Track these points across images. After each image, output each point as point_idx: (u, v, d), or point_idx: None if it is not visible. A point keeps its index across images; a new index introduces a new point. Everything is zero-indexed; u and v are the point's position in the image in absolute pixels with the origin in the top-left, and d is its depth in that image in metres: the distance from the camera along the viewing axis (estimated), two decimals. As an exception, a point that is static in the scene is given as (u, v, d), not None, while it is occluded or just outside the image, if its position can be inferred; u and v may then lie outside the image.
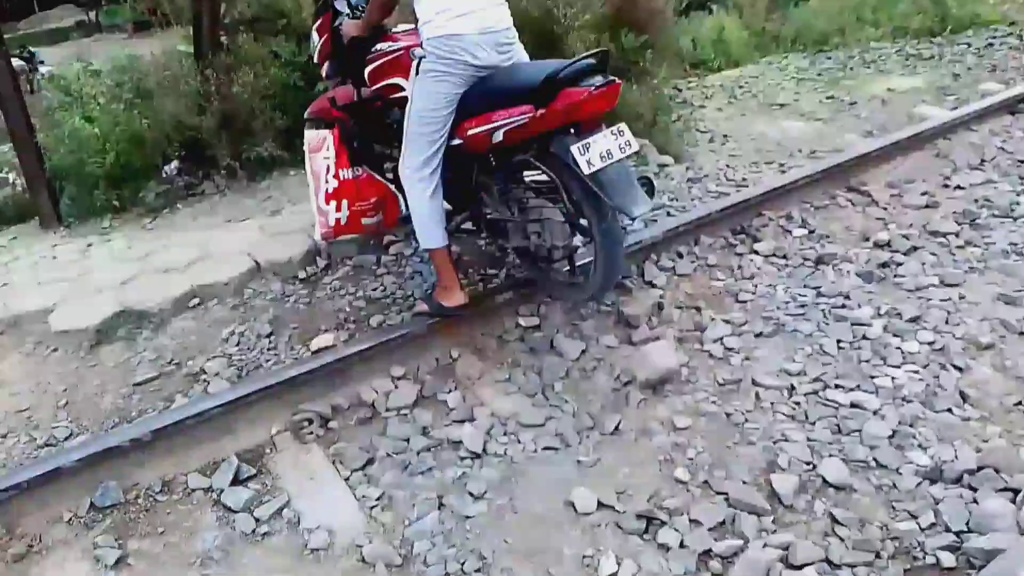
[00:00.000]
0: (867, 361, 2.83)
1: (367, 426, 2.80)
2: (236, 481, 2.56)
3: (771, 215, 3.94)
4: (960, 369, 2.74)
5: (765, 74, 7.45)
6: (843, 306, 3.17)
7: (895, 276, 3.37)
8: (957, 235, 3.62)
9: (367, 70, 3.24)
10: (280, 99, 5.10)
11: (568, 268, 3.14)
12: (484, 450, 2.59)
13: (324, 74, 3.54)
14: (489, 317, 3.25)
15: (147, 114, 4.84)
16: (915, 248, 3.55)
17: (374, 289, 3.63)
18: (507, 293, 3.32)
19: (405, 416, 2.80)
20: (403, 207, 3.26)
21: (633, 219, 2.80)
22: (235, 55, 5.07)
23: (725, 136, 5.40)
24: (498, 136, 2.76)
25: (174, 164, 4.95)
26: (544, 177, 2.89)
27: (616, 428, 2.63)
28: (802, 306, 3.21)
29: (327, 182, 3.29)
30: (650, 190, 2.74)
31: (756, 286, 3.39)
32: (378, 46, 3.18)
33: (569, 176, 2.71)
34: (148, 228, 4.51)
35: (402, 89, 3.00)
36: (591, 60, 2.64)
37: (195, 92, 4.88)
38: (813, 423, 2.56)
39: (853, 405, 2.61)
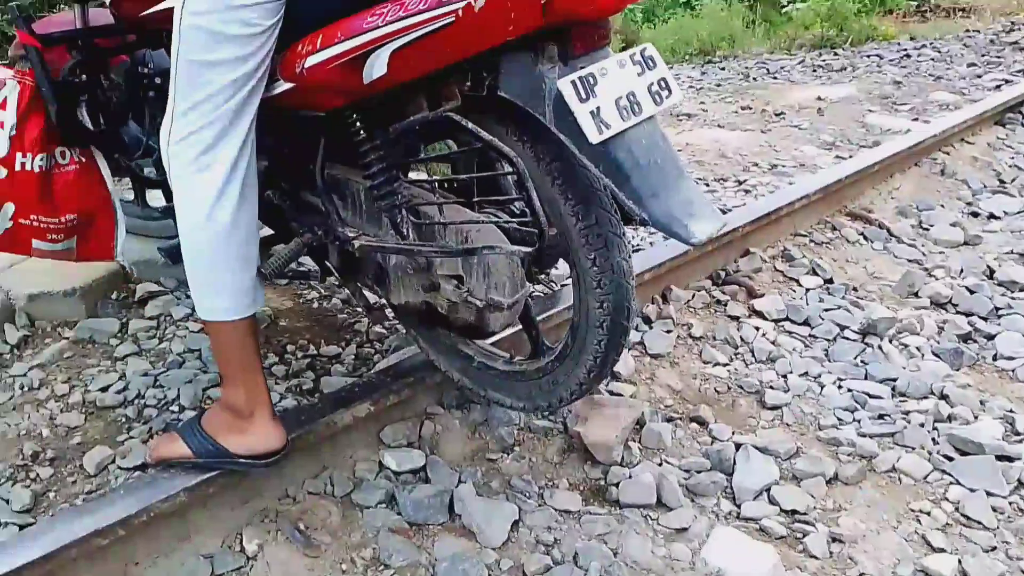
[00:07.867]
0: (1061, 544, 1.50)
1: None
2: None
3: (761, 254, 2.60)
4: None
5: (657, 82, 6.39)
6: (949, 417, 1.85)
7: (994, 358, 2.10)
8: (1041, 287, 2.43)
9: None
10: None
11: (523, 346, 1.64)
12: None
13: None
14: (322, 452, 1.66)
15: None
16: (997, 310, 2.32)
17: (105, 387, 1.94)
18: (364, 401, 1.73)
19: None
20: (121, 232, 1.72)
21: (693, 245, 1.26)
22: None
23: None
24: (378, 65, 1.19)
25: None
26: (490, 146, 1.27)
27: None
28: (880, 417, 1.86)
29: None
30: None
31: (785, 376, 2.01)
32: None
33: (549, 152, 1.23)
34: None
35: None
36: None
37: None
38: None
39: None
